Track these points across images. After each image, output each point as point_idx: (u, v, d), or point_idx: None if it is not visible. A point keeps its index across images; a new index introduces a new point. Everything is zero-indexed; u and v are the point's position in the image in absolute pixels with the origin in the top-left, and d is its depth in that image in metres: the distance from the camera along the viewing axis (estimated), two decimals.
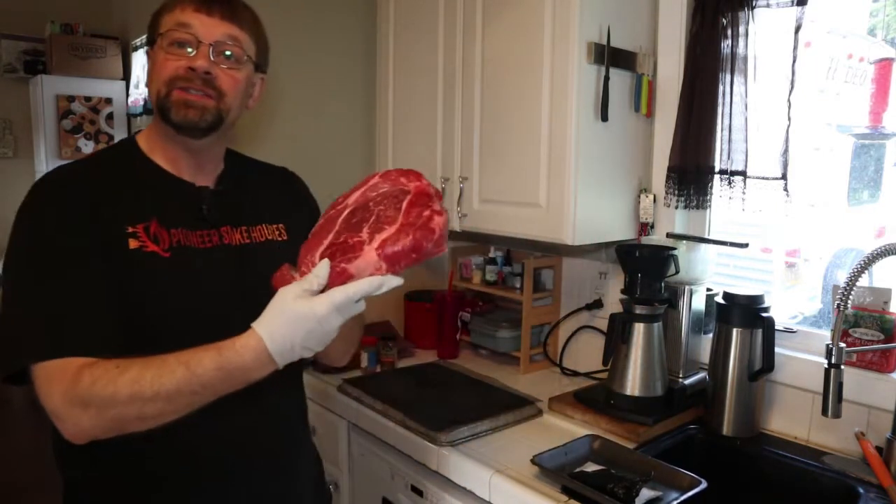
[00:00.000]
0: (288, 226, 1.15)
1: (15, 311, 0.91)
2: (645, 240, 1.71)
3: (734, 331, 1.49)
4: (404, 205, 0.89)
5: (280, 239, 1.13)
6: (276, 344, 0.82)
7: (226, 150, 1.14)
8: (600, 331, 1.87)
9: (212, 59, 0.99)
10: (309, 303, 0.82)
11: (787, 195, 1.50)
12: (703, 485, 1.18)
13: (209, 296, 1.01)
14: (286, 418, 1.15)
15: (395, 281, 0.85)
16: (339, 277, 0.85)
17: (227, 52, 1.01)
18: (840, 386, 1.22)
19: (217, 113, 1.01)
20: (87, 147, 5.38)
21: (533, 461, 1.27)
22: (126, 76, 5.55)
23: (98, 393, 0.83)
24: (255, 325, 0.84)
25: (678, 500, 1.16)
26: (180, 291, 0.99)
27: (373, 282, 0.84)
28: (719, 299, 1.53)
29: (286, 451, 1.13)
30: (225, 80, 1.01)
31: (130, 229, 0.96)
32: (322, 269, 0.85)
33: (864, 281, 1.31)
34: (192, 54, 0.98)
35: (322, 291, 0.84)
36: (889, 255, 1.23)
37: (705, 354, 1.62)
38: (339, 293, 0.82)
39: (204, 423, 0.89)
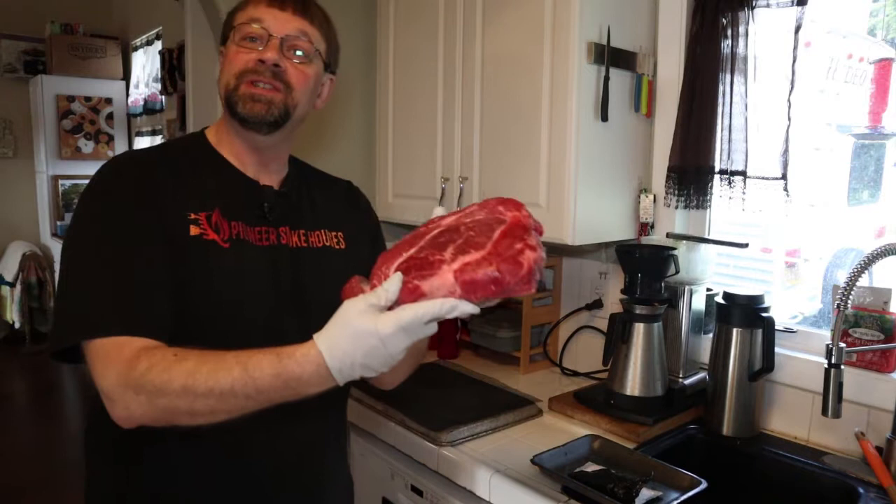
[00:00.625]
0: (346, 235, 1.14)
1: (74, 287, 0.90)
2: (645, 240, 1.71)
3: (734, 331, 1.49)
4: (496, 234, 0.82)
5: (338, 247, 1.12)
6: (336, 360, 0.78)
7: (290, 157, 1.15)
8: (600, 331, 1.87)
9: (282, 52, 1.00)
10: (374, 319, 0.76)
11: (787, 195, 1.50)
12: (703, 485, 1.18)
13: (261, 293, 1.00)
14: (320, 437, 1.11)
15: (469, 307, 0.78)
16: (410, 294, 0.79)
17: (298, 49, 1.02)
18: (840, 386, 1.22)
19: (284, 107, 1.01)
20: (87, 147, 5.39)
21: (533, 461, 1.27)
22: (126, 76, 5.56)
23: (152, 380, 0.81)
24: (316, 336, 0.80)
25: (678, 501, 1.16)
26: (235, 282, 0.98)
27: (445, 303, 0.77)
28: (719, 299, 1.53)
29: (314, 471, 1.10)
30: (294, 73, 1.01)
31: (192, 216, 0.96)
32: (393, 283, 0.79)
33: (864, 281, 1.31)
34: (262, 48, 0.99)
35: (391, 308, 0.78)
36: (889, 255, 1.23)
37: (705, 354, 1.62)
38: (408, 312, 0.76)
39: (243, 427, 0.86)
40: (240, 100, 0.99)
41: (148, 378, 0.82)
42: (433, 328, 0.79)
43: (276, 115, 1.00)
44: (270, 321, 0.99)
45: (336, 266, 0.97)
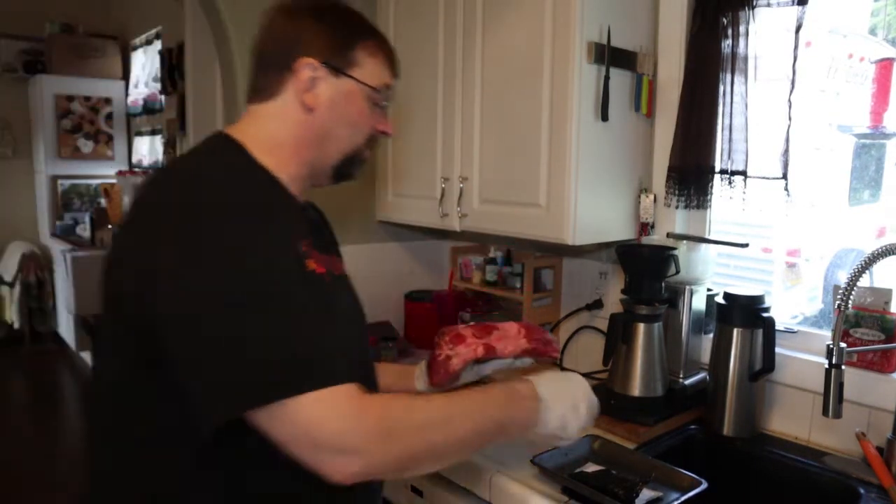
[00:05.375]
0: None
1: (273, 331, 0.75)
2: (645, 240, 1.71)
3: (735, 331, 1.48)
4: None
5: (348, 273, 1.02)
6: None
7: None
8: (600, 331, 1.87)
9: None
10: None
11: (788, 195, 1.49)
12: (704, 485, 1.18)
13: (360, 326, 0.99)
14: None
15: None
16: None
17: None
18: (841, 386, 1.22)
19: None
20: (87, 147, 5.39)
21: (533, 461, 1.26)
22: (125, 76, 5.55)
23: (414, 419, 0.80)
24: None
25: (678, 501, 1.15)
26: (349, 319, 0.94)
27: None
28: (720, 299, 1.53)
29: None
30: None
31: (304, 248, 0.84)
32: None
33: (864, 281, 1.31)
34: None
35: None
36: (890, 255, 1.23)
37: (706, 354, 1.62)
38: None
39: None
40: (360, 165, 0.98)
41: (412, 417, 0.80)
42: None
43: None
44: (370, 356, 1.01)
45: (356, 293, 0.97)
